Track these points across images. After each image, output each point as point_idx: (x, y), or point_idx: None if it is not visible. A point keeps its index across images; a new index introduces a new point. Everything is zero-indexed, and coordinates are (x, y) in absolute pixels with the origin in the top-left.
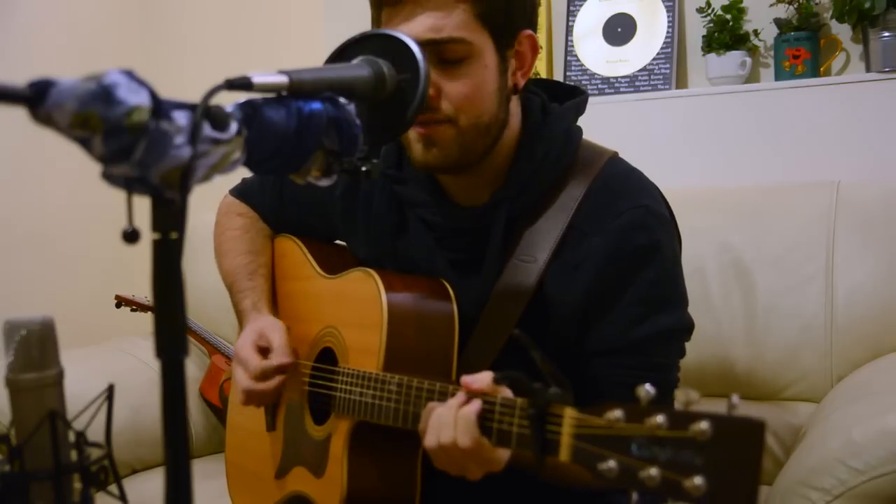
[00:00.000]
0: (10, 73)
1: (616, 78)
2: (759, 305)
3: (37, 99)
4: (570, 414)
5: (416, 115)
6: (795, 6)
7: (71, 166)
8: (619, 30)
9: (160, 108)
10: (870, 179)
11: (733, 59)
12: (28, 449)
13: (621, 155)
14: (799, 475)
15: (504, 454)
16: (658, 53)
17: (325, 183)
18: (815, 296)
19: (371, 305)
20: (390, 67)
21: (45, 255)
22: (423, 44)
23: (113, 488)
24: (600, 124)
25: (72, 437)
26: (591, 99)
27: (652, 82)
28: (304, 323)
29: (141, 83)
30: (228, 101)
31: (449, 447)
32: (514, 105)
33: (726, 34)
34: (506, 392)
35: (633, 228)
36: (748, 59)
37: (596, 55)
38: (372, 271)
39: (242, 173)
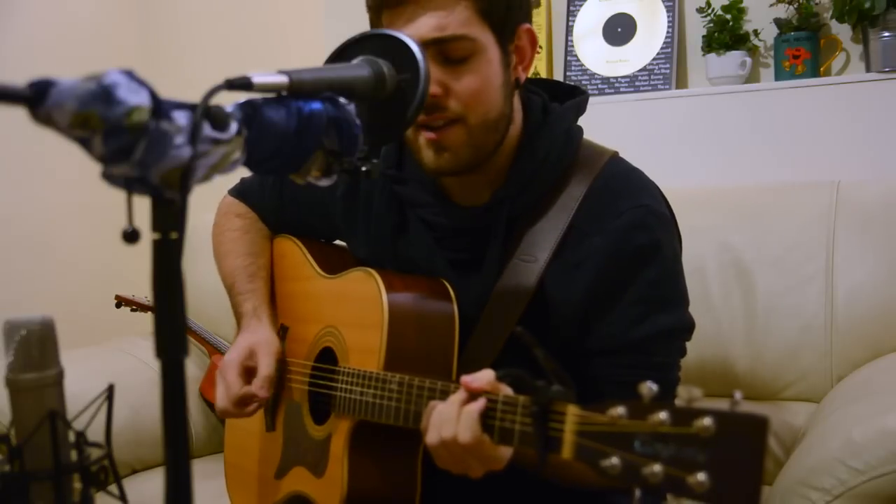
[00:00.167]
0: (10, 73)
1: (616, 78)
2: (759, 305)
3: (37, 99)
4: (572, 411)
5: (416, 115)
6: (795, 6)
7: (71, 166)
8: (619, 30)
9: (160, 108)
10: (870, 179)
11: (733, 59)
12: (28, 449)
13: (621, 155)
14: (799, 475)
15: (505, 452)
16: (658, 53)
17: (325, 183)
18: (815, 296)
19: (371, 305)
20: (390, 67)
21: (45, 255)
22: (427, 43)
23: (113, 488)
24: (600, 124)
25: (72, 437)
26: (591, 99)
27: (652, 82)
28: (304, 323)
29: (141, 83)
30: (228, 101)
31: (450, 443)
32: (516, 102)
33: (726, 34)
34: (506, 390)
35: (633, 228)
36: (748, 59)
37: (596, 55)
38: (372, 271)
39: (242, 173)
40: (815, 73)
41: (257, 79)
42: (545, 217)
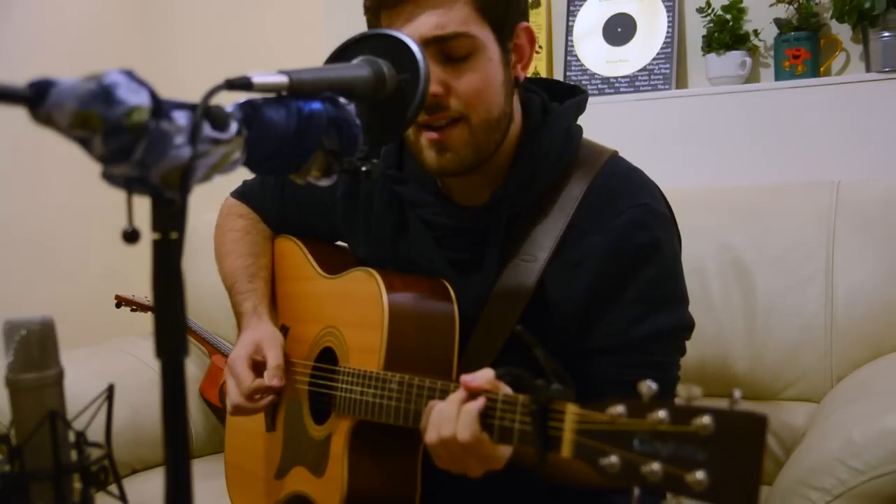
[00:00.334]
0: (9, 73)
1: (616, 78)
2: (759, 305)
3: (37, 99)
4: (571, 410)
5: (416, 115)
6: (795, 6)
7: (71, 166)
8: (619, 30)
9: (160, 108)
10: (870, 179)
11: (733, 59)
12: (28, 449)
13: (621, 155)
14: (799, 475)
15: (505, 452)
16: (658, 53)
17: (325, 183)
18: (815, 296)
19: (372, 305)
20: (390, 67)
21: (45, 255)
22: (428, 42)
23: (113, 488)
24: (600, 124)
25: (72, 437)
26: (591, 99)
27: (652, 82)
28: (304, 323)
29: (141, 83)
30: (228, 101)
31: (449, 441)
32: (516, 101)
33: (726, 34)
34: (506, 389)
35: (633, 227)
36: (748, 59)
37: (596, 55)
38: (373, 271)
39: (242, 173)
40: (815, 73)
41: (257, 79)
42: (545, 216)
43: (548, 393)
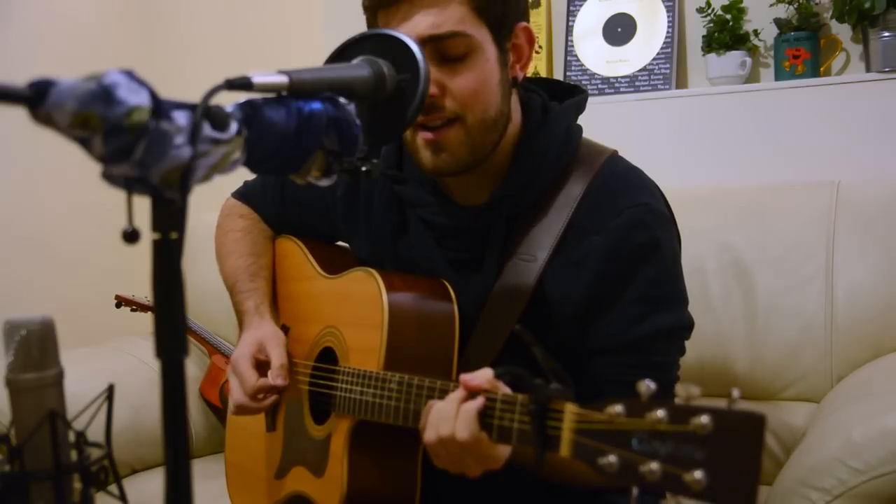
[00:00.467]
0: (10, 73)
1: (616, 78)
2: (759, 305)
3: (37, 99)
4: (570, 409)
5: (416, 115)
6: (795, 6)
7: (71, 166)
8: (619, 30)
9: (160, 108)
10: (870, 179)
11: (733, 59)
12: (28, 449)
13: (621, 155)
14: (799, 475)
15: (503, 451)
16: (658, 53)
17: (325, 183)
18: (815, 296)
19: (372, 305)
20: (390, 67)
21: (45, 255)
22: (424, 41)
23: (113, 488)
24: (600, 124)
25: (72, 437)
26: (591, 99)
27: (652, 82)
28: (304, 323)
29: (141, 83)
30: (228, 101)
31: (448, 441)
32: (515, 101)
33: (726, 34)
34: (505, 388)
35: (633, 227)
36: (748, 59)
37: (596, 55)
38: (373, 271)
39: (242, 173)
40: (815, 73)
41: (257, 79)
42: (545, 216)
43: (546, 392)
